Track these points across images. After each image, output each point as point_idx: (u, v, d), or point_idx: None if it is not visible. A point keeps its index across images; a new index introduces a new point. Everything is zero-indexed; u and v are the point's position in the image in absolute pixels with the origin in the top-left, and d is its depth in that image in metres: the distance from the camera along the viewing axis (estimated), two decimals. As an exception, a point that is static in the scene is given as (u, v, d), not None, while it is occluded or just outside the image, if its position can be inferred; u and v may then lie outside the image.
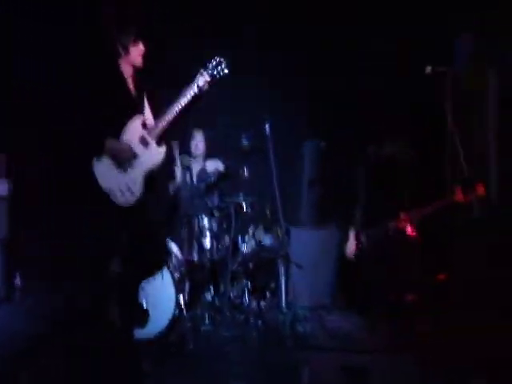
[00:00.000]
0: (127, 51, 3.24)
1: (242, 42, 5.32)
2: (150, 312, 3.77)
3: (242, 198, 4.36)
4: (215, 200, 4.45)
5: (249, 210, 4.42)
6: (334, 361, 3.51)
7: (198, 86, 3.29)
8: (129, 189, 3.19)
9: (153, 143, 3.26)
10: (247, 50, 5.30)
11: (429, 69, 3.95)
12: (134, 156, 3.23)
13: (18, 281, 4.73)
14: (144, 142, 3.25)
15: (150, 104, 3.47)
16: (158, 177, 3.42)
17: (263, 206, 4.59)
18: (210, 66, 3.33)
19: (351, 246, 4.49)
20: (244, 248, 4.43)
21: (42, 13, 5.08)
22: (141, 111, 3.34)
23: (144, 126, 3.30)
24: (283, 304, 4.35)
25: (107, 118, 3.18)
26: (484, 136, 4.81)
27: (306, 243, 4.84)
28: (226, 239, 4.31)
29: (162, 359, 3.54)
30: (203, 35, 5.19)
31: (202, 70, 3.33)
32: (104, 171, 3.20)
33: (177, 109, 3.27)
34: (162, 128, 3.29)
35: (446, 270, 4.23)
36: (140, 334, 3.70)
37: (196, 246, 4.30)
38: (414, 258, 4.28)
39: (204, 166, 4.93)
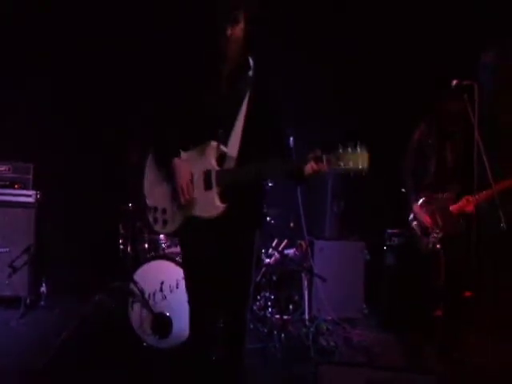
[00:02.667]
0: None
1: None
2: (174, 322, 3.78)
3: (265, 210, 4.37)
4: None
5: (273, 222, 4.44)
6: (357, 376, 3.46)
7: None
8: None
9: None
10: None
11: (454, 82, 3.91)
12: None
13: (43, 288, 4.78)
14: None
15: None
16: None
17: (287, 218, 4.60)
18: None
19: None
20: (268, 260, 4.43)
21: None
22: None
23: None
24: (306, 317, 4.35)
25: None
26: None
27: (329, 256, 4.83)
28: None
29: (185, 369, 3.54)
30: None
31: None
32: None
33: None
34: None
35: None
36: (163, 343, 3.73)
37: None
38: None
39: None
